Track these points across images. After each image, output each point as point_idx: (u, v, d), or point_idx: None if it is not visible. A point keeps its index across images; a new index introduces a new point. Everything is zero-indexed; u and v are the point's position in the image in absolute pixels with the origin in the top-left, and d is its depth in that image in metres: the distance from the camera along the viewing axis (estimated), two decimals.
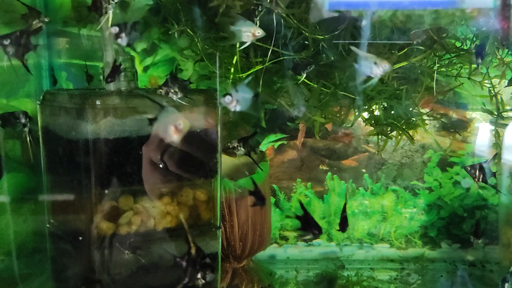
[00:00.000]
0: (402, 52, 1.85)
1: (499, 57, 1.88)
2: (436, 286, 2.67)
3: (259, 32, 1.70)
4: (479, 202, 2.93)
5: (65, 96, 1.69)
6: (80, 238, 1.59)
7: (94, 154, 1.59)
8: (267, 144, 2.99)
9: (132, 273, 1.71)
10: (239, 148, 1.89)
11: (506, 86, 1.98)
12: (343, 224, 1.84)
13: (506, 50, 1.87)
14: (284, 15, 1.81)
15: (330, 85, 1.88)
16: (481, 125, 2.86)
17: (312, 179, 3.00)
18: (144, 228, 1.72)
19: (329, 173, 2.98)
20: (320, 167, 3.02)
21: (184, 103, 1.57)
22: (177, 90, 1.55)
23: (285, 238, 3.00)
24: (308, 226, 1.71)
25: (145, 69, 3.00)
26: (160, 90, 1.55)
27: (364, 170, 3.00)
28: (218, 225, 1.88)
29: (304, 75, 1.83)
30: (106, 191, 1.63)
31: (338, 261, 2.92)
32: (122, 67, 1.70)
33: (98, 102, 1.58)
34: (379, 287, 2.64)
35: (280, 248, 2.97)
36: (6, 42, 1.44)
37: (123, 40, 1.49)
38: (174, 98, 1.55)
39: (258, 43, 1.92)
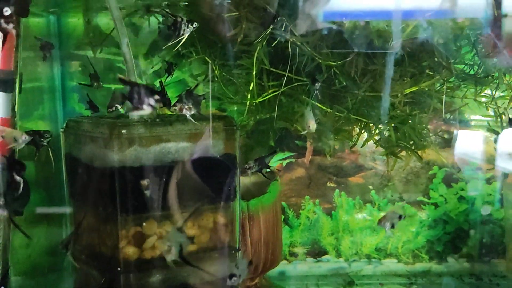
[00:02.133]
0: (412, 78, 1.92)
1: (506, 82, 1.95)
2: None
3: (310, 126, 1.88)
4: (484, 217, 2.99)
5: (90, 125, 1.74)
6: (119, 269, 1.63)
7: (119, 181, 1.64)
8: (275, 162, 3.05)
9: None
10: (254, 167, 1.95)
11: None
12: None
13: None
14: (298, 43, 1.87)
15: (343, 109, 1.94)
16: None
17: (320, 196, 3.06)
18: None
19: (337, 190, 3.03)
20: (328, 184, 3.08)
21: (196, 122, 1.62)
22: (191, 106, 1.60)
23: (294, 255, 3.05)
24: None
25: None
26: (175, 107, 1.60)
27: (371, 187, 3.06)
28: (237, 247, 1.93)
29: (315, 91, 1.89)
30: (131, 218, 1.67)
31: (347, 277, 2.97)
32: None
33: (124, 131, 1.63)
34: None
35: (290, 265, 3.01)
36: None
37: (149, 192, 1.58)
38: (188, 115, 1.59)
39: (273, 69, 1.98)
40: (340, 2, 1.95)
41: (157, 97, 1.46)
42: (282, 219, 3.00)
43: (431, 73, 1.92)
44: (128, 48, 1.73)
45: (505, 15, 1.88)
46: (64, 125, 1.88)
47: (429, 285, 2.86)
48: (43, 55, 2.15)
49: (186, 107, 1.63)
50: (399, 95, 1.88)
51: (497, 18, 1.86)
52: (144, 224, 1.72)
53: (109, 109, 1.75)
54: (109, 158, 1.63)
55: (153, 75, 3.01)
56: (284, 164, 3.06)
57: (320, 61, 1.90)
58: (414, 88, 1.92)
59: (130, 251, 1.69)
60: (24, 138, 1.70)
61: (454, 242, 3.02)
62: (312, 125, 1.90)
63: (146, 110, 1.45)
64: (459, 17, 1.96)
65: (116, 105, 1.74)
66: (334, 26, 1.89)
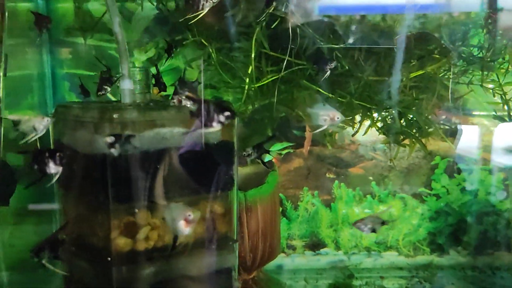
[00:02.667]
0: (418, 61, 1.84)
1: None
2: None
3: (338, 117, 1.72)
4: (487, 209, 2.93)
5: (80, 110, 1.65)
6: (109, 258, 1.54)
7: (111, 169, 1.55)
8: (273, 153, 2.96)
9: None
10: (252, 154, 1.86)
11: None
12: None
13: None
14: (299, 24, 1.78)
15: (346, 94, 1.86)
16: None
17: (319, 188, 2.98)
18: (162, 243, 1.68)
19: (336, 181, 2.96)
20: (327, 175, 3.00)
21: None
22: (188, 94, 1.51)
23: (293, 248, 2.97)
24: None
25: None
26: (173, 101, 1.52)
27: (371, 178, 2.98)
28: (235, 238, 1.84)
29: (328, 72, 1.78)
30: (123, 207, 1.59)
31: (346, 270, 2.90)
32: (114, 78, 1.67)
33: (115, 116, 1.54)
34: None
35: (288, 258, 2.94)
36: None
37: (115, 151, 1.47)
38: (188, 105, 1.51)
39: (271, 53, 1.89)
40: None
41: (227, 113, 1.43)
42: (280, 211, 2.92)
43: (437, 56, 1.83)
44: (120, 28, 1.63)
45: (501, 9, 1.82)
46: (53, 111, 1.78)
47: (431, 278, 2.79)
48: (38, 31, 2.01)
49: (184, 97, 1.56)
50: (404, 79, 1.79)
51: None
52: (137, 213, 1.63)
53: (98, 93, 1.65)
54: (100, 144, 1.54)
55: (147, 62, 2.92)
56: (282, 155, 2.98)
57: (322, 43, 1.81)
58: (420, 72, 1.83)
59: (122, 242, 1.60)
60: (46, 121, 1.56)
61: (456, 234, 2.95)
62: (340, 116, 1.76)
63: (216, 127, 1.43)
64: (455, 11, 1.89)
65: (105, 87, 1.65)
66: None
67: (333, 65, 1.78)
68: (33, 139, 1.59)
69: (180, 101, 1.54)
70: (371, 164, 3.00)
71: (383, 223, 1.85)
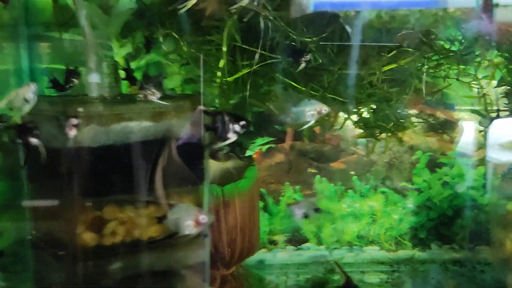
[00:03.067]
0: (391, 54, 1.82)
1: (489, 58, 1.86)
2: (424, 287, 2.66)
3: (325, 109, 1.70)
4: (468, 203, 2.92)
5: (46, 104, 1.63)
6: (61, 252, 1.53)
7: (77, 163, 1.54)
8: (255, 148, 2.95)
9: (117, 285, 1.66)
10: (224, 148, 1.85)
11: (496, 87, 1.97)
12: None
13: (496, 51, 1.86)
14: (271, 17, 1.76)
15: (319, 88, 1.84)
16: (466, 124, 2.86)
17: (300, 182, 2.97)
18: (130, 238, 1.67)
19: (318, 176, 2.95)
20: (309, 170, 3.00)
21: (165, 103, 1.53)
22: (154, 90, 1.51)
23: (274, 243, 2.96)
24: None
25: None
26: (140, 95, 1.51)
27: (353, 172, 2.97)
28: (206, 234, 1.83)
29: (303, 64, 1.76)
30: (89, 201, 1.57)
31: (328, 264, 2.89)
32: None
33: (80, 110, 1.52)
34: None
35: (269, 253, 2.92)
36: None
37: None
38: (154, 100, 1.50)
39: (245, 46, 1.88)
40: None
41: (243, 122, 1.44)
42: (262, 206, 2.91)
43: (410, 49, 1.82)
44: (86, 21, 1.61)
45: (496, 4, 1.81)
46: None
47: (412, 272, 2.79)
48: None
49: (149, 92, 1.55)
50: (377, 72, 1.78)
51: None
52: (104, 208, 1.62)
53: (66, 86, 1.63)
54: (65, 138, 1.52)
55: (127, 57, 2.90)
56: (263, 150, 2.97)
57: (295, 37, 1.79)
58: (393, 65, 1.82)
59: (88, 237, 1.59)
60: (33, 88, 1.53)
61: (438, 229, 2.95)
62: (327, 108, 1.73)
63: (232, 138, 1.44)
64: (450, 6, 1.87)
65: (73, 79, 1.63)
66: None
67: (308, 57, 1.76)
68: (29, 109, 1.56)
69: (146, 96, 1.53)
70: (352, 159, 2.99)
71: (317, 210, 1.83)
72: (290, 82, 1.87)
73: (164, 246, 1.73)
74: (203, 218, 1.51)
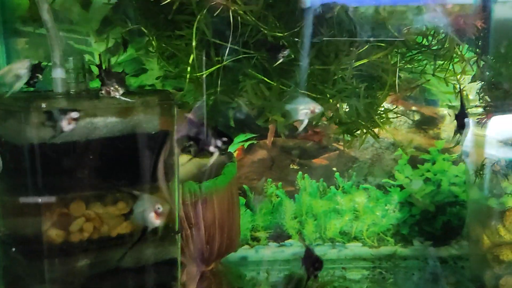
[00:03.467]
0: (363, 50, 1.81)
1: (459, 53, 1.85)
2: (405, 283, 2.65)
3: (319, 108, 1.71)
4: (450, 199, 2.92)
5: (10, 99, 1.62)
6: (13, 249, 1.52)
7: (40, 159, 1.52)
8: (236, 144, 2.94)
9: (86, 282, 1.65)
10: (193, 145, 1.84)
11: (470, 83, 1.96)
12: None
13: (466, 46, 1.85)
14: (241, 12, 1.75)
15: (290, 83, 1.83)
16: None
17: (282, 179, 2.96)
18: (98, 235, 1.66)
19: (300, 172, 2.94)
20: (291, 166, 2.98)
21: (128, 100, 1.51)
22: (116, 86, 1.49)
23: (257, 239, 2.95)
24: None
25: None
26: (101, 92, 1.50)
27: (335, 169, 2.96)
28: (177, 230, 1.82)
29: (281, 59, 1.75)
30: (55, 198, 1.56)
31: None
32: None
33: (43, 105, 1.51)
34: (350, 287, 2.61)
35: (252, 250, 2.92)
36: None
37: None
38: (117, 96, 1.49)
39: (216, 41, 1.86)
40: None
41: (225, 139, 1.50)
42: (244, 203, 2.91)
43: (382, 44, 1.81)
44: (49, 15, 1.60)
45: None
46: None
47: (393, 268, 2.79)
48: None
49: (112, 88, 1.53)
50: (348, 68, 1.77)
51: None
52: (71, 205, 1.61)
53: (31, 81, 1.62)
54: (28, 134, 1.51)
55: (106, 52, 2.88)
56: (245, 146, 2.95)
57: (266, 31, 1.78)
58: (364, 61, 1.81)
59: (54, 234, 1.58)
60: (27, 63, 1.51)
61: (420, 225, 2.94)
62: (320, 108, 1.75)
63: (214, 152, 1.50)
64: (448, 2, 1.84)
65: (38, 74, 1.62)
66: None
67: (286, 52, 1.75)
68: (20, 86, 1.55)
69: (108, 92, 1.51)
70: (334, 155, 2.98)
71: None
72: (262, 77, 1.85)
73: (133, 242, 1.72)
74: (159, 208, 1.49)
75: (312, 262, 1.78)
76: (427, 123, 2.95)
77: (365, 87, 1.85)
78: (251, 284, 2.67)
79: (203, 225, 2.34)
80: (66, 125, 1.47)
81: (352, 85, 1.76)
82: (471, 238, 2.42)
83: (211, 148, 1.49)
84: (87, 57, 2.81)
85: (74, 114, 1.47)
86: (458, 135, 1.68)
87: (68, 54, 2.02)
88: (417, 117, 2.99)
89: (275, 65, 1.77)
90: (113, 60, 2.82)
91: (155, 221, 1.53)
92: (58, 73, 1.62)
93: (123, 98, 1.51)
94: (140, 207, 1.56)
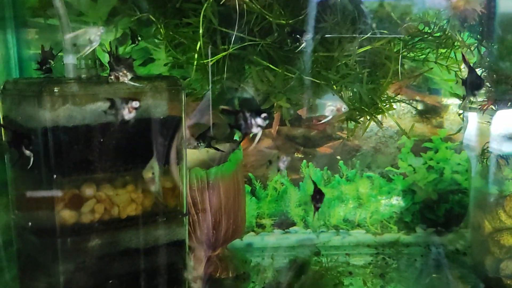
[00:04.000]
0: (365, 37, 1.85)
1: (460, 39, 1.88)
2: (407, 269, 2.69)
3: (345, 108, 1.79)
4: (453, 187, 2.96)
5: (24, 85, 1.67)
6: (30, 223, 1.57)
7: (53, 142, 1.57)
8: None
9: (97, 262, 1.70)
10: (200, 144, 1.90)
11: (476, 67, 1.98)
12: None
13: (467, 33, 1.88)
14: (247, 0, 1.79)
15: (295, 70, 1.87)
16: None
17: (287, 167, 3.00)
18: (108, 216, 1.71)
19: (304, 161, 2.98)
20: (295, 154, 3.02)
21: (136, 84, 1.56)
22: (125, 71, 1.54)
23: (262, 226, 3.00)
24: None
25: None
26: (110, 77, 1.54)
27: (339, 157, 3.00)
28: (184, 212, 1.87)
29: (304, 44, 1.79)
30: (67, 180, 1.61)
31: (314, 247, 2.93)
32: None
33: (56, 90, 1.56)
34: (354, 272, 2.65)
35: (257, 236, 2.96)
36: None
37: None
38: (126, 81, 1.53)
39: (222, 29, 1.91)
40: None
41: (264, 115, 1.49)
42: (249, 191, 2.95)
43: (385, 31, 1.84)
44: (60, 3, 1.64)
45: None
46: (2, 87, 1.80)
47: (396, 254, 2.83)
48: None
49: (121, 73, 1.57)
50: (352, 54, 1.81)
51: None
52: (82, 186, 1.66)
53: (42, 67, 1.67)
54: (42, 117, 1.56)
55: (116, 42, 2.92)
56: (250, 135, 2.99)
57: (271, 19, 1.82)
58: (367, 47, 1.85)
59: (66, 214, 1.63)
60: (100, 31, 1.57)
61: (422, 213, 2.98)
62: (346, 107, 1.83)
63: (258, 132, 1.52)
64: None
65: (49, 60, 1.66)
66: None
67: (309, 36, 1.77)
68: (89, 51, 1.59)
69: (117, 78, 1.55)
70: (338, 144, 3.02)
71: None
72: (268, 64, 1.89)
73: (142, 224, 1.77)
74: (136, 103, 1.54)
75: (315, 195, 1.83)
76: (430, 112, 2.98)
77: (368, 73, 1.88)
78: (256, 269, 2.71)
79: (209, 211, 2.39)
80: (127, 113, 1.53)
81: (355, 71, 1.79)
82: (473, 225, 2.46)
83: (254, 129, 1.51)
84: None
85: (135, 104, 1.53)
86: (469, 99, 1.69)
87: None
88: (420, 106, 3.02)
89: (298, 50, 1.80)
90: (121, 50, 2.87)
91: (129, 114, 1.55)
92: (69, 59, 1.67)
93: (132, 83, 1.56)
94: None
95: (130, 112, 1.52)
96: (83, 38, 1.60)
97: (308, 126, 3.02)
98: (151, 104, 1.72)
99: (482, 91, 2.04)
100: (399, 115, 2.96)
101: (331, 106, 1.84)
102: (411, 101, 3.00)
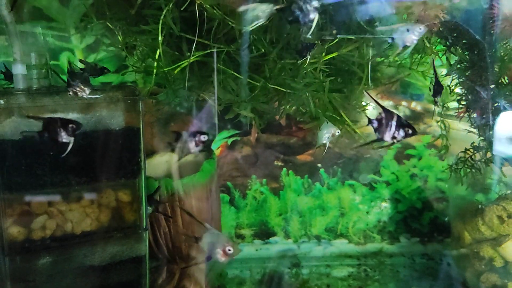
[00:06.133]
0: (333, 43, 1.78)
1: (427, 46, 1.81)
2: (389, 280, 2.62)
3: (338, 132, 1.86)
4: (437, 195, 2.88)
5: None
6: None
7: (2, 156, 1.51)
8: (220, 141, 2.91)
9: (48, 280, 1.63)
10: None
11: (445, 76, 1.92)
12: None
13: (437, 39, 1.80)
14: (207, 6, 1.72)
15: (260, 78, 1.80)
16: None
17: (267, 176, 2.93)
18: (61, 232, 1.64)
19: (284, 169, 2.91)
20: (275, 162, 2.95)
21: (97, 96, 1.50)
22: (82, 86, 1.48)
23: (242, 237, 2.93)
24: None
25: None
26: (69, 93, 1.49)
27: (319, 165, 2.93)
28: (144, 227, 1.80)
29: (309, 57, 1.75)
30: (15, 195, 1.55)
31: (294, 258, 2.86)
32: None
33: (1, 102, 1.49)
34: (332, 284, 2.58)
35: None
36: None
37: None
38: (85, 96, 1.47)
39: (183, 35, 1.84)
40: None
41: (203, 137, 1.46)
42: (228, 200, 2.89)
43: (353, 37, 1.77)
44: (7, 11, 1.58)
45: None
46: None
47: (378, 265, 2.75)
48: None
49: (78, 89, 1.52)
50: (318, 62, 1.74)
51: None
52: (32, 202, 1.59)
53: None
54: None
55: (86, 50, 2.87)
56: (229, 143, 2.93)
57: (234, 26, 1.75)
58: (334, 54, 1.77)
59: (15, 231, 1.56)
60: (270, 9, 1.52)
61: (406, 221, 2.91)
62: (339, 131, 1.90)
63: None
64: None
65: None
66: None
67: (314, 47, 1.72)
68: (255, 26, 1.54)
69: (76, 93, 1.50)
70: (319, 151, 2.95)
71: None
72: (232, 72, 1.82)
73: (98, 239, 1.70)
74: (230, 250, 1.58)
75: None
76: (413, 118, 2.91)
77: (337, 81, 1.81)
78: (233, 282, 2.64)
79: (181, 223, 2.32)
80: (193, 146, 1.48)
81: (319, 79, 1.72)
82: (453, 235, 2.38)
83: (192, 150, 1.51)
84: (67, 54, 2.81)
85: (203, 137, 1.48)
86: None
87: (47, 51, 2.02)
88: (407, 112, 2.95)
89: (304, 64, 1.76)
90: (93, 57, 2.81)
91: (221, 258, 1.61)
92: (18, 69, 1.60)
93: (91, 96, 1.50)
94: (209, 239, 1.65)
95: (197, 145, 1.49)
96: (253, 14, 1.55)
97: (288, 134, 2.95)
98: (105, 115, 1.65)
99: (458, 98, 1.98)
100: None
101: (327, 134, 1.90)
102: (397, 107, 2.93)
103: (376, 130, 1.45)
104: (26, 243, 1.59)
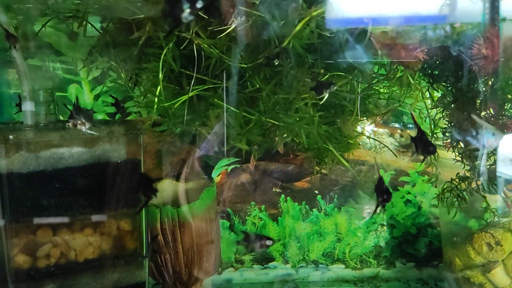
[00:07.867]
0: (325, 78, 1.88)
1: (410, 81, 1.91)
2: None
3: None
4: (431, 221, 2.94)
5: None
6: None
7: (8, 188, 1.61)
8: (220, 169, 3.00)
9: None
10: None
11: (431, 108, 2.01)
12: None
13: (420, 75, 1.90)
14: (205, 46, 1.84)
15: (255, 112, 1.91)
16: None
17: (266, 202, 3.01)
18: (65, 260, 1.72)
19: (283, 196, 2.99)
20: (274, 189, 3.04)
21: (93, 133, 1.60)
22: (83, 120, 1.58)
23: (241, 262, 3.00)
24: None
25: (96, 97, 3.04)
26: (68, 123, 1.58)
27: (316, 192, 3.01)
28: (144, 254, 1.88)
29: (327, 95, 1.83)
30: (22, 225, 1.64)
31: (293, 283, 2.92)
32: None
33: (10, 137, 1.60)
34: None
35: (236, 272, 2.96)
36: None
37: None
38: (83, 130, 1.57)
39: (183, 71, 1.95)
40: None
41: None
42: (228, 226, 2.96)
43: (342, 74, 1.88)
44: (18, 53, 1.70)
45: (504, 19, 1.81)
46: None
47: None
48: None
49: (79, 122, 1.62)
50: (308, 97, 1.84)
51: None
52: (38, 231, 1.68)
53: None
54: None
55: (93, 81, 2.99)
56: (229, 170, 3.02)
57: (230, 63, 1.86)
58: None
59: (21, 259, 1.65)
60: None
61: (401, 247, 2.96)
62: None
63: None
64: (457, 21, 1.89)
65: None
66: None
67: (333, 87, 1.79)
68: None
69: (75, 125, 1.60)
70: (316, 178, 3.03)
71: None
72: (229, 106, 1.92)
73: (100, 267, 1.79)
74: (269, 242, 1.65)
75: (382, 192, 1.75)
76: (406, 146, 3.00)
77: (329, 113, 1.91)
78: None
79: (181, 249, 2.40)
80: (258, 247, 1.61)
81: (309, 114, 1.82)
82: (445, 261, 2.44)
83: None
84: (74, 86, 2.94)
85: (268, 242, 1.61)
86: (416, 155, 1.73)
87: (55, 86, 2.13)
88: (402, 140, 3.04)
89: (322, 102, 1.84)
90: (99, 88, 2.94)
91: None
92: (27, 106, 1.71)
93: (89, 131, 1.60)
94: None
95: (261, 247, 1.60)
96: None
97: (286, 161, 3.04)
98: (108, 148, 1.75)
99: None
100: (376, 149, 2.98)
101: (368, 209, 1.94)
102: (395, 136, 3.02)
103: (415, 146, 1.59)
104: (31, 271, 1.67)
